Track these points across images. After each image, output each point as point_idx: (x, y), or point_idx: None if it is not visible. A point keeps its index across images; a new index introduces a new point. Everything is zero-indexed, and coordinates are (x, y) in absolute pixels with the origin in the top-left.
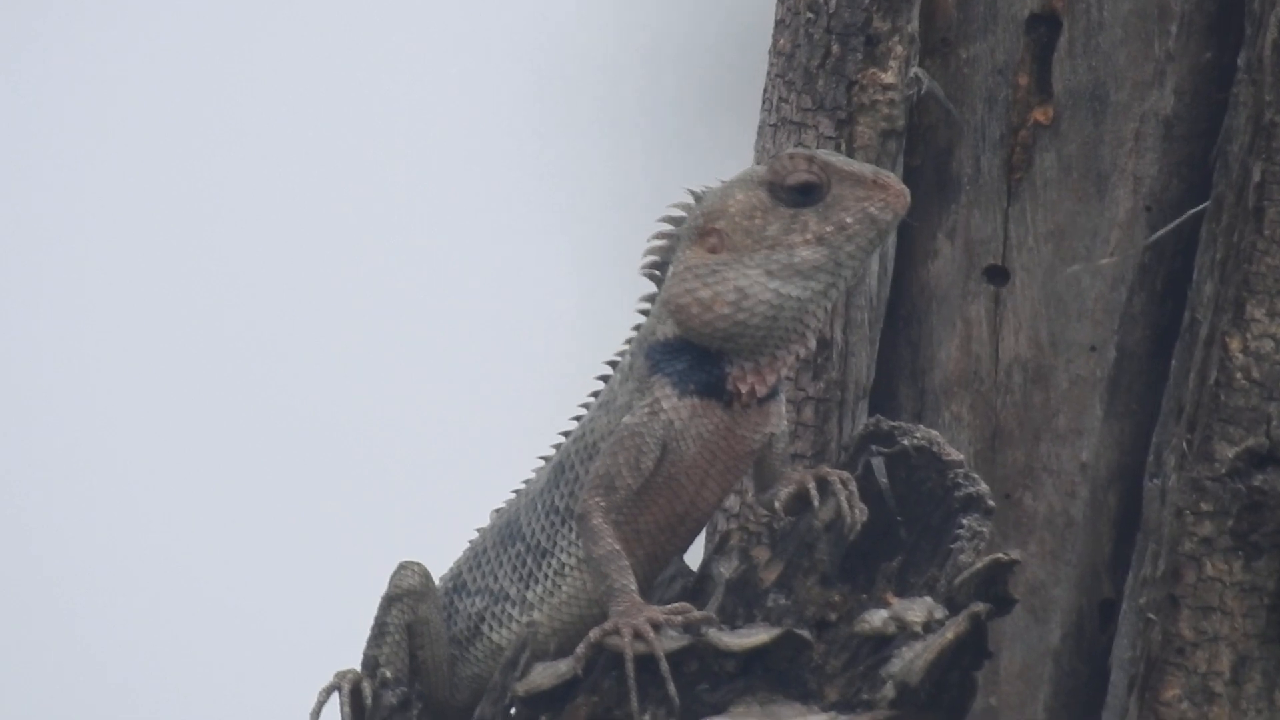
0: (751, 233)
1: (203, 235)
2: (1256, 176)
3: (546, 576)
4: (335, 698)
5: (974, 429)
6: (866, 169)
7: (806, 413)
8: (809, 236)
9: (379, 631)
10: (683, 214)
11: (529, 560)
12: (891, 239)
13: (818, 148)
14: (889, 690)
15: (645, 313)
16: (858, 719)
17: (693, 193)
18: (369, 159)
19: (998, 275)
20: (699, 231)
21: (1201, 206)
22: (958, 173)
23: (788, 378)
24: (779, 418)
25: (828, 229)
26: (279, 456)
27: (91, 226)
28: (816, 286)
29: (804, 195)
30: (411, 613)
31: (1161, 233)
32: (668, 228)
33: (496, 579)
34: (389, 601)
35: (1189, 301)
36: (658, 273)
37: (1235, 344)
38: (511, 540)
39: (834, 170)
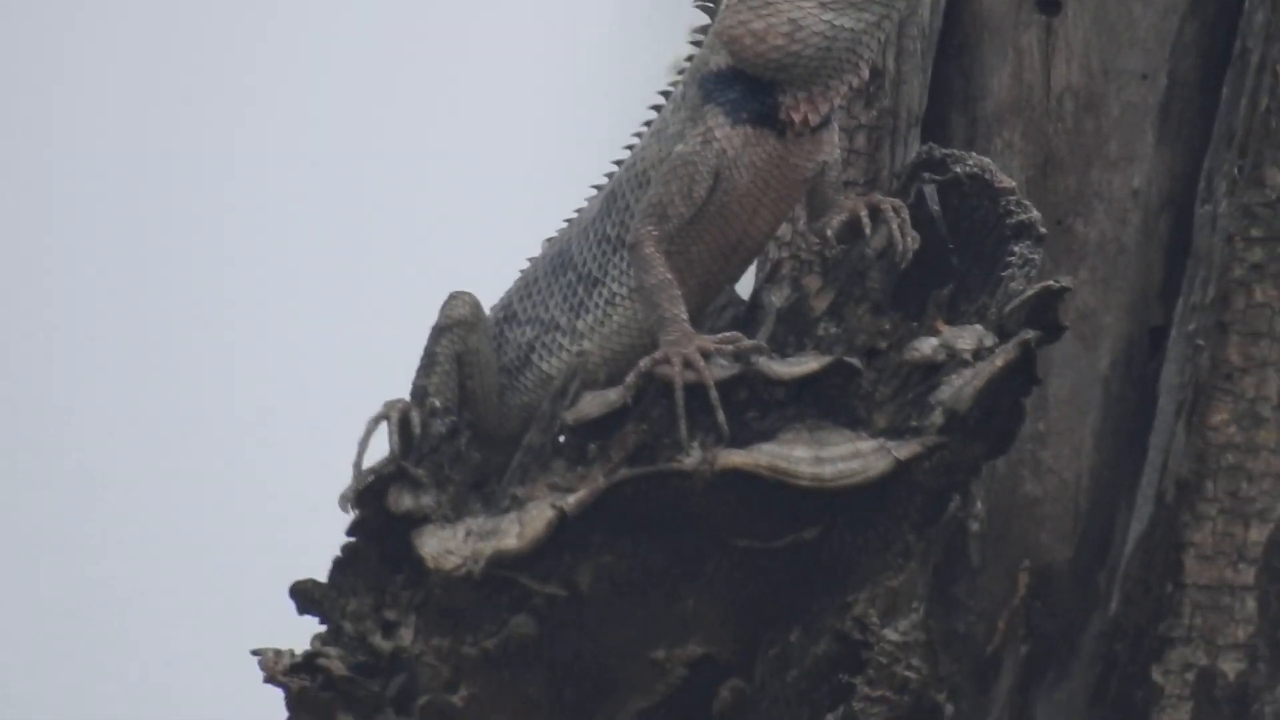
0: None
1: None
2: None
3: (597, 306)
4: (384, 427)
5: (1025, 156)
6: None
7: (859, 140)
8: None
9: (428, 361)
10: None
11: (580, 289)
12: None
13: None
14: (938, 417)
15: (698, 44)
16: (906, 445)
17: None
18: None
19: (1049, 5)
20: None
21: None
22: None
23: (840, 106)
24: (831, 146)
25: None
26: (331, 182)
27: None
28: (870, 18)
29: None
30: (461, 343)
31: None
32: None
33: (547, 308)
34: (439, 332)
35: (1240, 30)
36: (711, 4)
37: None
38: (562, 270)
39: None
